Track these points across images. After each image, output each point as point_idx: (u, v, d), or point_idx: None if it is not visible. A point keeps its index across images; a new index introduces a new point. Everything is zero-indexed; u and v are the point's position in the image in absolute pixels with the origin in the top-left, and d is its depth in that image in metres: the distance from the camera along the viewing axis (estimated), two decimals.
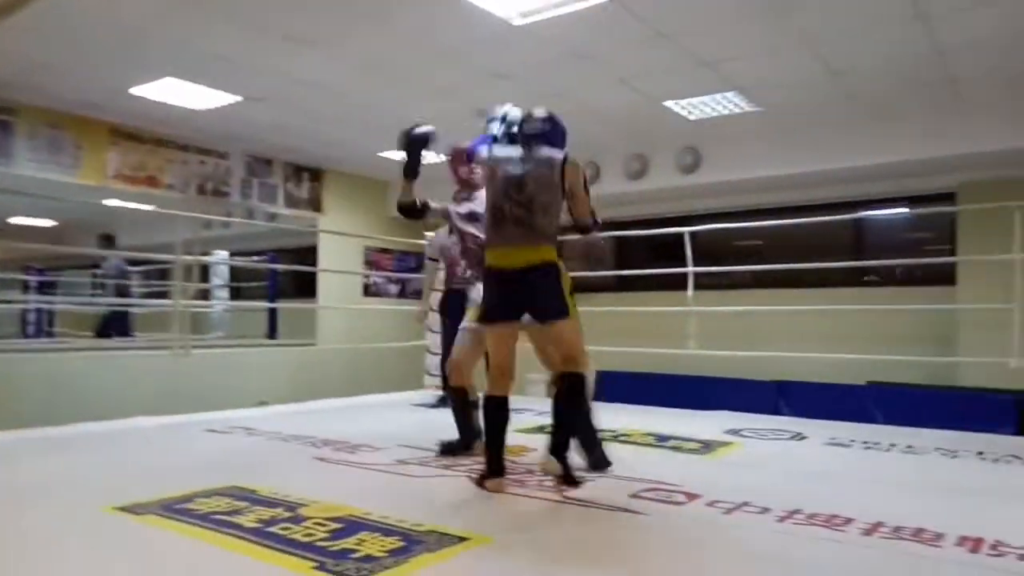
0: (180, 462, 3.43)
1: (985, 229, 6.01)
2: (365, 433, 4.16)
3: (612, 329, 7.43)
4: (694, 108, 6.21)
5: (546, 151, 3.04)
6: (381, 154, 7.98)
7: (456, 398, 3.67)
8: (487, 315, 3.05)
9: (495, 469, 2.94)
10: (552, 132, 3.13)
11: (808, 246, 7.50)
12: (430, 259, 5.24)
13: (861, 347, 6.10)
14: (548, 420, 4.78)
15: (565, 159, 3.01)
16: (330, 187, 8.87)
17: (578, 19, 4.46)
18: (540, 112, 3.18)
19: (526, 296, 2.95)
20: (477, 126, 6.55)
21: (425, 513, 2.46)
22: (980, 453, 3.68)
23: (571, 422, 3.03)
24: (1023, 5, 4.16)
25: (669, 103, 6.10)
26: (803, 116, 6.35)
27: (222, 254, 10.05)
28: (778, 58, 5.07)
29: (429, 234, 5.45)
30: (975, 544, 2.17)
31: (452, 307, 5.07)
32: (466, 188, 4.34)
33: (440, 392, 5.30)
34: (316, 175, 8.71)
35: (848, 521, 2.40)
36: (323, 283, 8.64)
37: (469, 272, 4.95)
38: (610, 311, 6.62)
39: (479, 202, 4.86)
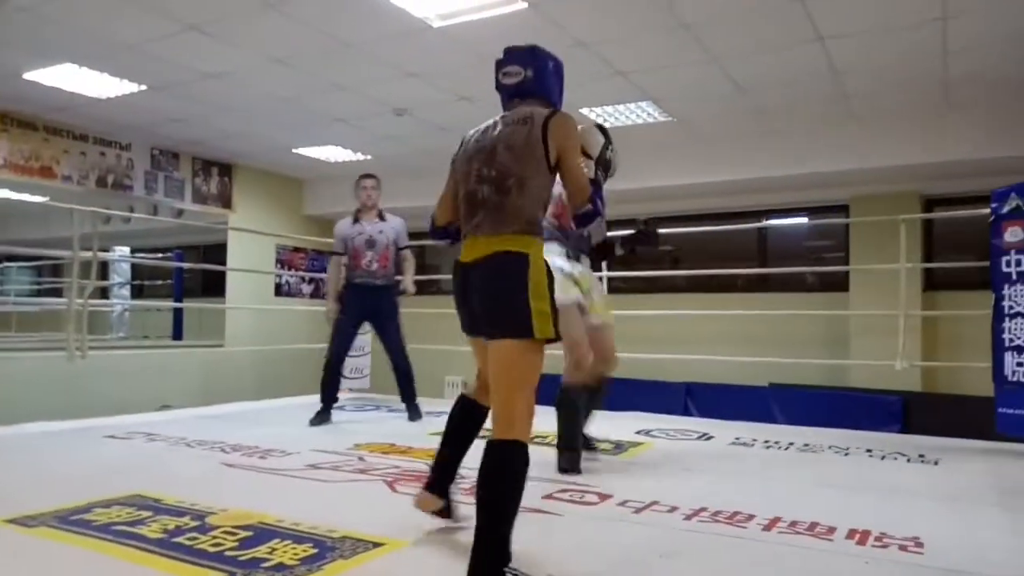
0: (76, 470, 3.25)
1: (875, 240, 6.42)
2: (276, 437, 4.06)
3: None
4: (609, 116, 6.35)
5: (528, 107, 2.20)
6: (296, 150, 7.79)
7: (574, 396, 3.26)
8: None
9: (431, 481, 2.36)
10: (538, 80, 2.26)
11: (716, 252, 7.81)
12: (334, 253, 4.95)
13: (764, 350, 6.40)
14: None
15: (551, 115, 2.13)
16: (241, 183, 8.59)
17: (497, 24, 4.50)
18: (521, 48, 2.31)
19: (474, 299, 2.13)
20: (392, 123, 6.57)
21: (339, 519, 2.43)
22: (869, 451, 3.92)
23: (497, 522, 1.93)
24: (912, 31, 4.47)
25: (585, 110, 6.22)
26: (712, 128, 6.60)
27: (123, 250, 9.58)
28: (688, 71, 5.25)
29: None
30: (862, 536, 2.32)
31: (351, 302, 4.78)
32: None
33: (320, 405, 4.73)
34: (226, 170, 8.43)
35: (750, 517, 2.53)
36: (233, 282, 8.36)
37: (376, 265, 4.77)
38: None
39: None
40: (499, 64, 2.31)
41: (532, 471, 3.21)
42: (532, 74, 2.25)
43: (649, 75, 5.38)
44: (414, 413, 4.90)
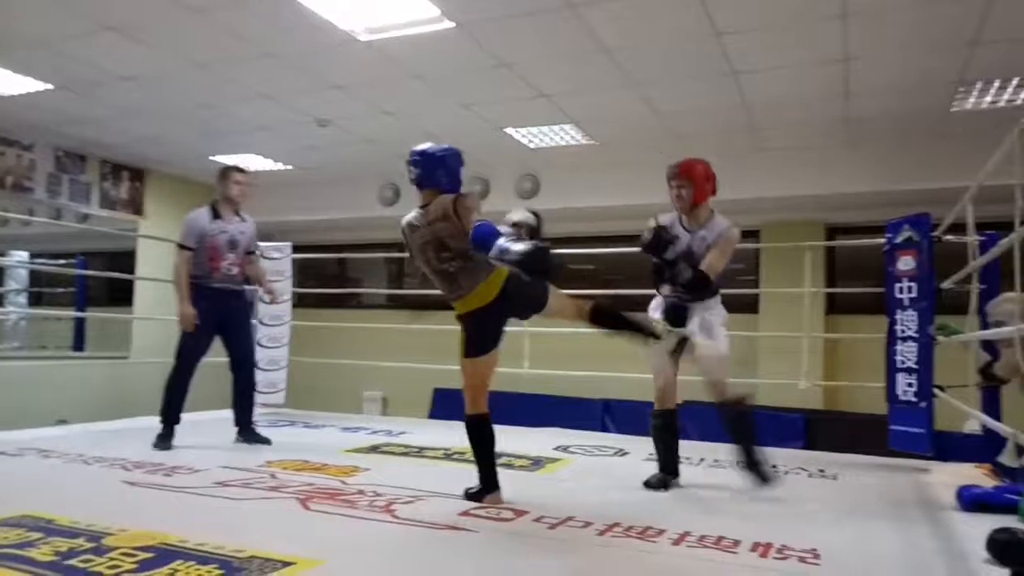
0: None
1: (783, 264, 6.73)
2: (183, 454, 3.91)
3: (448, 347, 7.51)
4: (534, 137, 6.46)
5: (439, 203, 2.96)
6: (212, 157, 7.56)
7: (661, 422, 3.63)
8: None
9: (495, 484, 3.00)
10: (424, 174, 3.01)
11: (636, 272, 7.99)
12: (182, 247, 4.26)
13: (679, 368, 6.56)
14: (382, 439, 4.78)
15: (454, 203, 2.93)
16: (153, 189, 8.26)
17: (425, 41, 4.52)
18: (414, 151, 3.06)
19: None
20: (315, 133, 6.48)
21: (248, 538, 2.35)
22: (774, 466, 4.06)
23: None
24: (814, 68, 4.74)
25: (510, 130, 6.30)
26: (632, 151, 6.79)
27: (20, 255, 9.04)
28: (609, 96, 5.39)
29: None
30: (765, 549, 2.42)
31: (204, 308, 4.22)
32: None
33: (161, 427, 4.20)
34: (137, 175, 8.10)
35: (660, 532, 2.59)
36: (141, 291, 8.00)
37: (236, 269, 4.30)
38: (446, 329, 6.69)
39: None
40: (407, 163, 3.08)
41: (447, 488, 3.21)
42: (420, 171, 3.04)
43: (571, 98, 5.50)
44: (251, 437, 4.40)
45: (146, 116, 6.30)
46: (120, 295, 8.36)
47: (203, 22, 4.38)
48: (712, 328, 3.39)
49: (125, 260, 8.17)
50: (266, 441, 4.38)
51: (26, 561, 2.09)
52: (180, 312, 4.22)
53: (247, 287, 4.64)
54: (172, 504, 2.89)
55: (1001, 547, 2.23)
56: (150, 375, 7.67)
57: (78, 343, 8.03)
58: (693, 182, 3.48)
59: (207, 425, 5.05)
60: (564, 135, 6.37)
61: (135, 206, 8.07)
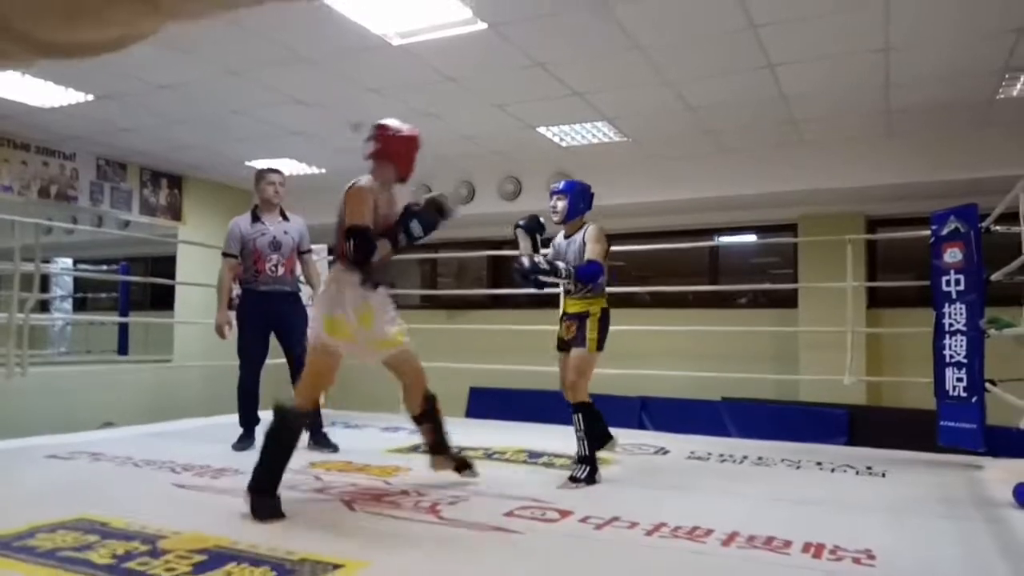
0: (17, 492, 3.13)
1: (822, 258, 6.60)
2: (228, 456, 3.97)
3: (486, 346, 7.51)
4: (565, 135, 6.42)
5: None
6: (249, 163, 7.66)
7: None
8: None
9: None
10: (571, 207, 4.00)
11: (670, 269, 7.94)
12: (225, 253, 4.39)
13: (716, 365, 6.50)
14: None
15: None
16: (192, 195, 8.41)
17: (456, 43, 4.51)
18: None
19: None
20: (350, 137, 6.51)
21: (297, 540, 2.39)
22: (819, 464, 4.02)
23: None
24: (854, 58, 4.64)
25: (542, 129, 6.28)
26: (665, 147, 6.73)
27: (65, 262, 9.27)
28: (641, 92, 5.34)
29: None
30: (817, 550, 2.38)
31: (254, 312, 4.34)
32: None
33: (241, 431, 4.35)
34: (176, 182, 8.24)
35: (708, 532, 2.56)
36: (182, 296, 8.14)
37: (282, 270, 4.33)
38: (481, 329, 6.70)
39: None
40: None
41: (491, 488, 3.22)
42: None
43: (605, 95, 5.46)
44: (322, 441, 4.30)
45: (183, 124, 6.40)
46: (162, 299, 8.53)
47: (237, 30, 4.42)
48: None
49: (166, 265, 8.33)
50: (334, 448, 4.25)
51: (86, 564, 2.14)
52: (216, 318, 4.45)
53: (301, 287, 4.66)
54: (222, 506, 2.93)
55: None
56: (193, 378, 7.85)
57: (122, 347, 8.21)
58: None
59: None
60: (596, 132, 6.33)
61: (174, 212, 8.21)
